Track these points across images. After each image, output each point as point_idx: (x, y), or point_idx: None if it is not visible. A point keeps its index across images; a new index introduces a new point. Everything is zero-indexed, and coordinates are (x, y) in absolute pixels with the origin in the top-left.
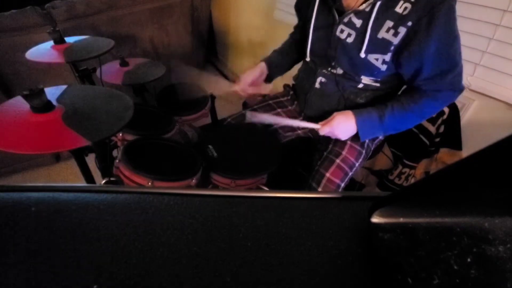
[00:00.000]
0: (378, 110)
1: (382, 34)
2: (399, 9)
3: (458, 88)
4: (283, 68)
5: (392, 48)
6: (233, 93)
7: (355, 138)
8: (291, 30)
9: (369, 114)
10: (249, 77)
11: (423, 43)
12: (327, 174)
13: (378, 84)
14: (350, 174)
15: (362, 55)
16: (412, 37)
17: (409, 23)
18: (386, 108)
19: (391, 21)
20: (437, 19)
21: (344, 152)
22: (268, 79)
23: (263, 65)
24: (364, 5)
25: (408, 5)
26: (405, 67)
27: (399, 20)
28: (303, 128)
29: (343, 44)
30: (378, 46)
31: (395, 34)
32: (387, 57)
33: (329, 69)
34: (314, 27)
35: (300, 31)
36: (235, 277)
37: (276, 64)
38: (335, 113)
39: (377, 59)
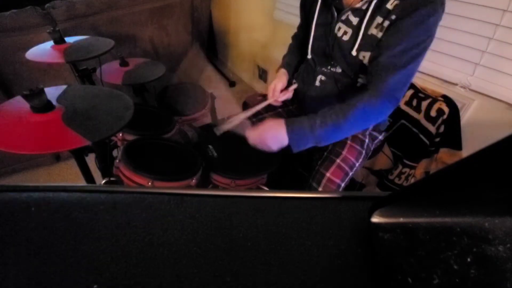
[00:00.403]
0: (310, 119)
1: (371, 30)
2: (389, 5)
3: (395, 98)
4: (295, 71)
5: (376, 44)
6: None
7: (355, 137)
8: (291, 30)
9: (300, 123)
10: (279, 87)
11: (392, 37)
12: (328, 174)
13: None
14: (351, 174)
15: (354, 52)
16: (388, 29)
17: (393, 17)
18: (317, 118)
19: (381, 17)
20: (416, 16)
21: (344, 152)
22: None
23: (284, 72)
24: (361, 3)
25: (398, 1)
26: (371, 53)
27: (386, 15)
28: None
29: (339, 42)
30: (368, 43)
31: (381, 29)
32: (369, 53)
33: (329, 67)
34: (315, 24)
35: (303, 30)
36: (235, 277)
37: (292, 68)
38: (266, 121)
39: (364, 57)
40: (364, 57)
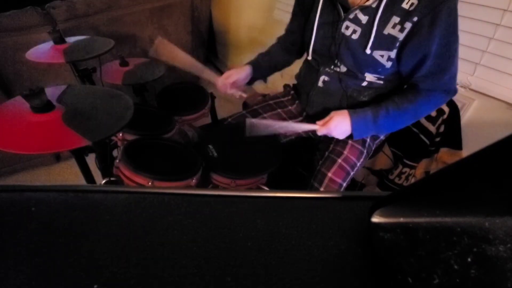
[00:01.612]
0: (373, 110)
1: (388, 30)
2: (405, 5)
3: (452, 90)
4: (266, 73)
5: (397, 44)
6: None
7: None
8: None
9: (364, 114)
10: (233, 77)
11: (426, 39)
12: (329, 174)
13: (381, 82)
14: (352, 173)
15: (368, 51)
16: (415, 32)
17: (415, 18)
18: (380, 108)
19: (398, 16)
20: (441, 16)
21: (345, 152)
22: (250, 82)
23: (248, 68)
24: (370, 1)
25: (415, 0)
26: (405, 62)
27: (406, 15)
28: (303, 130)
29: (347, 41)
30: (384, 42)
31: (402, 29)
32: (393, 53)
33: (332, 67)
34: (318, 24)
35: (298, 30)
36: (235, 277)
37: (260, 68)
38: (332, 113)
39: (382, 56)
40: (382, 56)
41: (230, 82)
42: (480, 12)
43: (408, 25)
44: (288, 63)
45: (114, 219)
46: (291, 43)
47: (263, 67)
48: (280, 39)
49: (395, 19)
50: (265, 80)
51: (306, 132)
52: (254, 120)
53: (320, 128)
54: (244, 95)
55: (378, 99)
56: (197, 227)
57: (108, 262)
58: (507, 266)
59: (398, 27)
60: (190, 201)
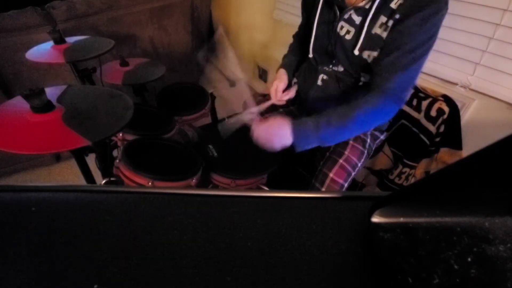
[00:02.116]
0: (314, 120)
1: (375, 29)
2: (394, 4)
3: (401, 98)
4: (295, 71)
5: (382, 44)
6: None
7: (357, 138)
8: (291, 30)
9: (304, 123)
10: (281, 87)
11: (397, 37)
12: (331, 174)
13: None
14: (353, 174)
15: (356, 52)
16: (392, 29)
17: (397, 16)
18: (321, 118)
19: (385, 16)
20: (419, 18)
21: (346, 152)
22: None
23: (284, 72)
24: (364, 2)
25: (402, 1)
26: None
27: (391, 14)
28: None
29: (342, 41)
30: (371, 42)
31: (386, 28)
32: (376, 53)
33: (330, 66)
34: (317, 23)
35: (304, 28)
36: (235, 277)
37: (292, 68)
38: (272, 117)
39: (369, 56)
40: (369, 56)
41: (281, 92)
42: (480, 12)
43: (390, 23)
44: (306, 55)
45: (114, 219)
46: (303, 39)
47: (291, 66)
48: (294, 36)
49: (383, 19)
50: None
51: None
52: (224, 122)
53: (255, 130)
54: (295, 89)
55: None
56: (197, 227)
57: (108, 262)
58: (507, 266)
59: (384, 26)
60: (190, 201)
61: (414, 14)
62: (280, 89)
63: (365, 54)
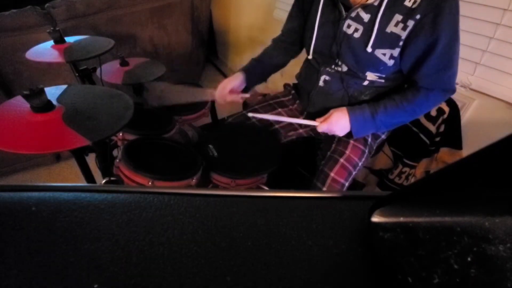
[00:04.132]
0: (371, 107)
1: (391, 28)
2: (408, 2)
3: (451, 89)
4: (260, 78)
5: (401, 43)
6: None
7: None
8: None
9: (362, 111)
10: (228, 86)
11: (428, 37)
12: (332, 174)
13: (382, 81)
14: (354, 173)
15: (369, 49)
16: (418, 30)
17: (418, 16)
18: (379, 106)
19: (400, 15)
20: (444, 14)
21: (347, 151)
22: (245, 89)
23: (241, 76)
24: None
25: None
26: (407, 60)
27: (408, 13)
28: (303, 126)
29: (349, 40)
30: (387, 40)
31: (404, 28)
32: (396, 52)
33: (333, 66)
34: (319, 23)
35: (300, 30)
36: (235, 277)
37: (254, 74)
38: (331, 110)
39: (384, 54)
40: (384, 54)
41: (227, 91)
42: (480, 12)
43: (410, 23)
44: (284, 65)
45: (114, 219)
46: (291, 43)
47: (253, 73)
48: (276, 41)
49: (398, 17)
50: (265, 80)
51: (307, 132)
52: (255, 114)
53: (320, 125)
54: (246, 96)
55: (379, 98)
56: (197, 227)
57: (108, 262)
58: (507, 266)
59: (401, 25)
60: (190, 201)
61: (439, 9)
62: (226, 88)
63: (379, 53)
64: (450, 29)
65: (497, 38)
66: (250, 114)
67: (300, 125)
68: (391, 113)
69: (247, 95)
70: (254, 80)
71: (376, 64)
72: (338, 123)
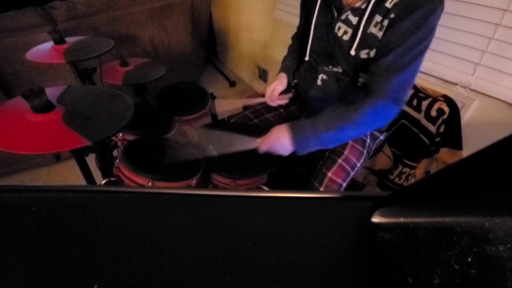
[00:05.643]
0: (311, 124)
1: (371, 29)
2: (388, 4)
3: (399, 100)
4: (294, 72)
5: (377, 43)
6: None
7: (357, 138)
8: (291, 30)
9: (302, 128)
10: (278, 89)
11: (393, 33)
12: (329, 174)
13: None
14: (352, 174)
15: (352, 52)
16: (388, 27)
17: (392, 15)
18: (319, 122)
19: (380, 15)
20: (415, 17)
21: (346, 152)
22: (288, 87)
23: (284, 76)
24: (360, 2)
25: (397, 0)
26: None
27: (386, 13)
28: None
29: (340, 42)
30: (367, 41)
31: (381, 28)
32: (373, 52)
33: (330, 66)
34: (315, 24)
35: (302, 30)
36: (235, 277)
37: (291, 71)
38: (272, 129)
39: (366, 54)
40: (367, 54)
41: (277, 94)
42: (480, 12)
43: (385, 23)
44: (304, 55)
45: (114, 219)
46: (302, 42)
47: (291, 69)
48: (293, 37)
49: (378, 18)
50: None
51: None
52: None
53: (260, 144)
54: (287, 100)
55: None
56: (197, 227)
57: (108, 262)
58: (507, 266)
59: (379, 25)
60: (190, 201)
61: (410, 14)
62: (277, 90)
63: (363, 54)
64: (416, 38)
65: (497, 39)
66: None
67: (278, 105)
68: (335, 127)
69: (290, 94)
70: (292, 76)
71: (363, 66)
72: (278, 141)
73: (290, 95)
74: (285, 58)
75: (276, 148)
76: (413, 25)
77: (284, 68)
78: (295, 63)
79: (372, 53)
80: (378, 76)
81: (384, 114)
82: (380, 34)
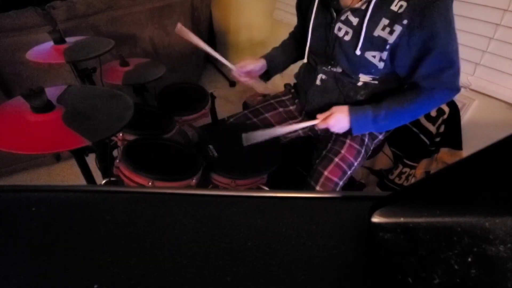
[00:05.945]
0: (373, 109)
1: (378, 32)
2: (394, 7)
3: (455, 88)
4: (280, 67)
5: (388, 46)
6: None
7: (355, 137)
8: (291, 29)
9: (364, 112)
10: (248, 66)
11: (419, 41)
12: (325, 173)
13: (376, 82)
14: (349, 173)
15: (358, 52)
16: (407, 35)
17: (405, 21)
18: (381, 108)
19: (387, 19)
20: (432, 17)
21: (343, 151)
22: (266, 76)
23: (263, 61)
24: (360, 3)
25: (404, 3)
26: (401, 64)
27: (394, 18)
28: (303, 128)
29: (340, 42)
30: (375, 43)
31: (391, 32)
32: (384, 55)
33: (329, 67)
34: (313, 25)
35: (300, 31)
36: (235, 277)
37: (275, 62)
38: (333, 108)
39: (374, 56)
40: (374, 56)
41: (245, 70)
42: (480, 12)
43: (397, 28)
44: (302, 56)
45: (114, 219)
46: (299, 41)
47: (275, 60)
48: (291, 34)
49: (384, 21)
50: (265, 80)
51: (305, 131)
52: (250, 133)
53: (320, 123)
54: (259, 90)
55: (375, 98)
56: (197, 227)
57: (108, 262)
58: (507, 266)
59: (388, 29)
60: (190, 201)
61: (426, 15)
62: (246, 67)
63: (369, 55)
64: (441, 31)
65: (497, 39)
66: (244, 139)
67: (278, 105)
68: (394, 115)
69: (264, 84)
70: (274, 68)
71: (367, 66)
72: (337, 122)
73: (264, 84)
74: (274, 48)
75: (334, 128)
76: (437, 24)
77: (266, 55)
78: (284, 57)
79: (384, 56)
80: (427, 78)
81: (440, 101)
82: (391, 39)
